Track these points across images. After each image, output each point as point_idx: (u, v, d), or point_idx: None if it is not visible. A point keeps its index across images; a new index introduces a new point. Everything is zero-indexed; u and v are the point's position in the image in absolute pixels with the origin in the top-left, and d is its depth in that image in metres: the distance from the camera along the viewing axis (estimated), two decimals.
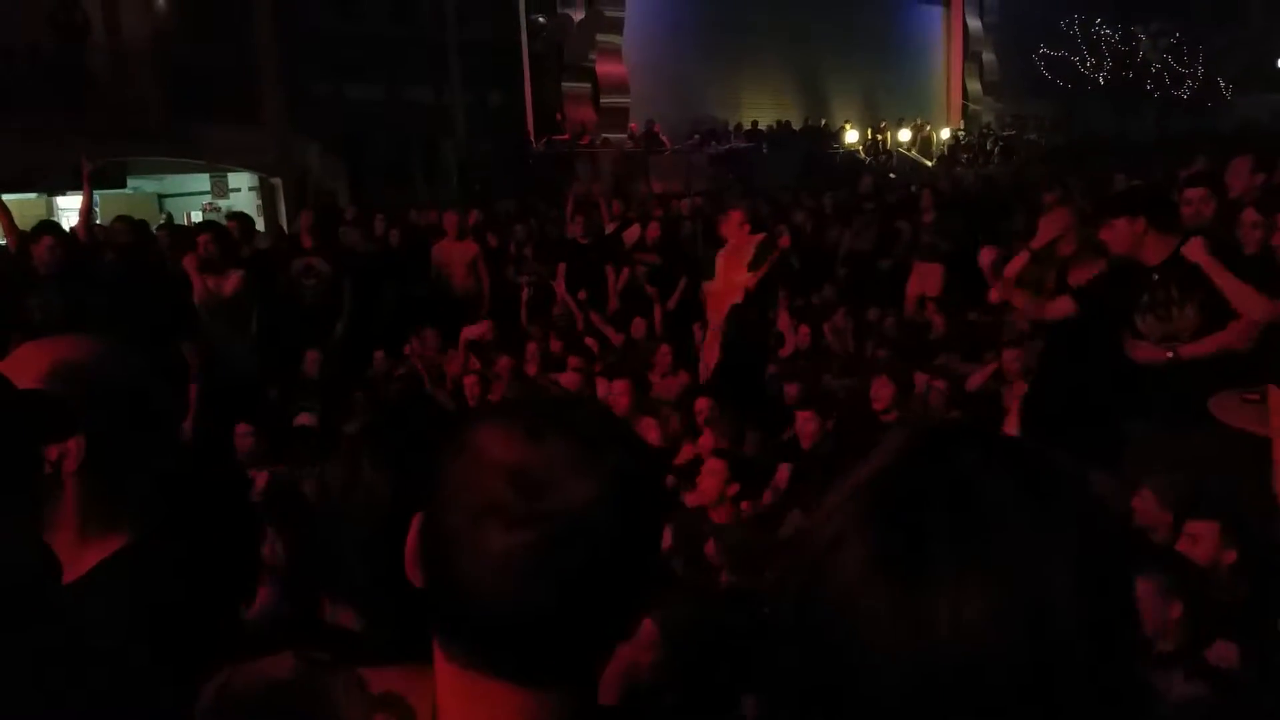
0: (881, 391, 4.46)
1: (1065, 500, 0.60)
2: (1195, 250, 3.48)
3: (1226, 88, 25.92)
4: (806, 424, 4.38)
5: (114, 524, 1.27)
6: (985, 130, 24.66)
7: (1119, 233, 3.60)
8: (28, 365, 1.26)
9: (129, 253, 5.57)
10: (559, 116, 18.13)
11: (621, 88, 18.82)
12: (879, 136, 22.71)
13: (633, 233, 8.33)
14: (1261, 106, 22.49)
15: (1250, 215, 4.24)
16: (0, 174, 6.54)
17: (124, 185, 12.67)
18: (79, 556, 1.24)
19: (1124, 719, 0.59)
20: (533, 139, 17.62)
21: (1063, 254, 4.12)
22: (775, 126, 21.00)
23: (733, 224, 5.68)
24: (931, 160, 21.64)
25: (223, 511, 1.74)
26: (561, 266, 7.83)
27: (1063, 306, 3.94)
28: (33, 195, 11.56)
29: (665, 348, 5.95)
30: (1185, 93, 26.11)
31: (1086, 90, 25.60)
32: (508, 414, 0.79)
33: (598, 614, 0.76)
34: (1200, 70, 26.06)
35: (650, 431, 4.60)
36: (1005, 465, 0.60)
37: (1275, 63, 24.28)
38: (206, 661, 1.19)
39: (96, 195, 11.82)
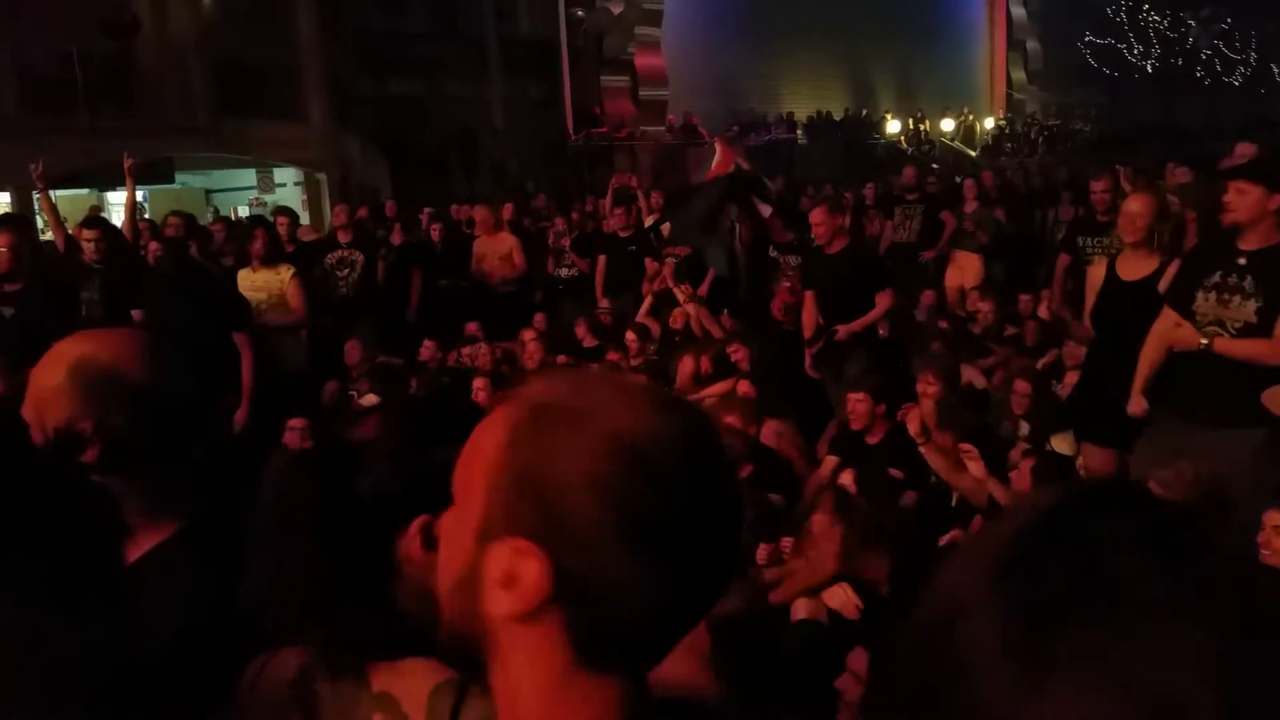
0: (858, 408, 4.36)
1: (1213, 587, 0.53)
2: None
3: None
4: (858, 405, 4.33)
5: (156, 515, 1.31)
6: (1030, 120, 24.29)
7: (1249, 200, 3.40)
8: (55, 362, 1.29)
9: (180, 246, 5.67)
10: (597, 110, 18.15)
11: (660, 80, 18.81)
12: (921, 126, 22.46)
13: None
14: None
15: None
16: (53, 171, 6.70)
17: (172, 180, 12.90)
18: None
19: None
20: (571, 133, 17.67)
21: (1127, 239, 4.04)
22: (815, 117, 20.86)
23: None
24: (975, 150, 21.37)
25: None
26: (601, 259, 7.85)
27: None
28: (84, 191, 11.82)
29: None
30: (1236, 80, 25.52)
31: (1134, 78, 25.12)
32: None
33: (709, 596, 0.75)
34: (1253, 57, 25.45)
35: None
36: (1145, 540, 0.54)
37: None
38: (255, 647, 1.22)
39: (145, 190, 12.10)
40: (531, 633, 0.70)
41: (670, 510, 0.69)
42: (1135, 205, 4.01)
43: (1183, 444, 3.36)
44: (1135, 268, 3.97)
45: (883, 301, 5.26)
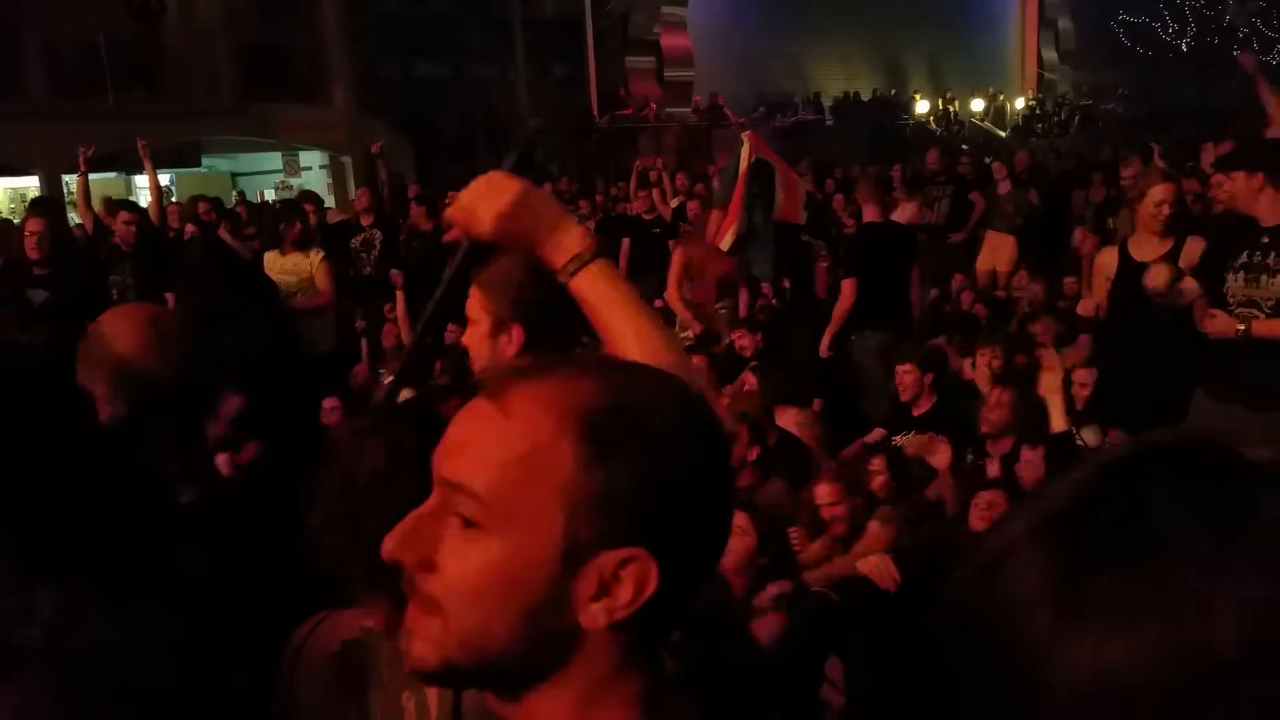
0: (905, 379, 4.35)
1: (1260, 549, 0.53)
2: None
3: None
4: (905, 375, 4.32)
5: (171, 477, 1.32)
6: (1061, 100, 23.93)
7: (1236, 187, 3.45)
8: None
9: (209, 230, 5.70)
10: (623, 91, 18.06)
11: (686, 61, 18.67)
12: (950, 107, 22.18)
13: (694, 207, 8.26)
14: None
15: None
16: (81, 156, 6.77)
17: (199, 164, 12.99)
18: None
19: None
20: (596, 114, 17.59)
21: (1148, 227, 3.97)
22: (843, 98, 20.65)
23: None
24: (1005, 131, 21.10)
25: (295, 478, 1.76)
26: (625, 242, 7.81)
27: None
28: (112, 175, 11.91)
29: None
30: (1275, 58, 25.01)
31: (1168, 58, 24.68)
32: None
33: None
34: None
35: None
36: (1197, 498, 0.55)
37: None
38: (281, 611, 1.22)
39: (172, 174, 12.18)
40: (604, 637, 0.71)
41: (722, 492, 0.74)
42: (1161, 193, 3.94)
43: (1220, 428, 3.30)
44: (1150, 248, 3.91)
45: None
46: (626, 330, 1.14)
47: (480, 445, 0.71)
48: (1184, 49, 24.84)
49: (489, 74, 16.67)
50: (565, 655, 0.72)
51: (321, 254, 5.75)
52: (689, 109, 18.19)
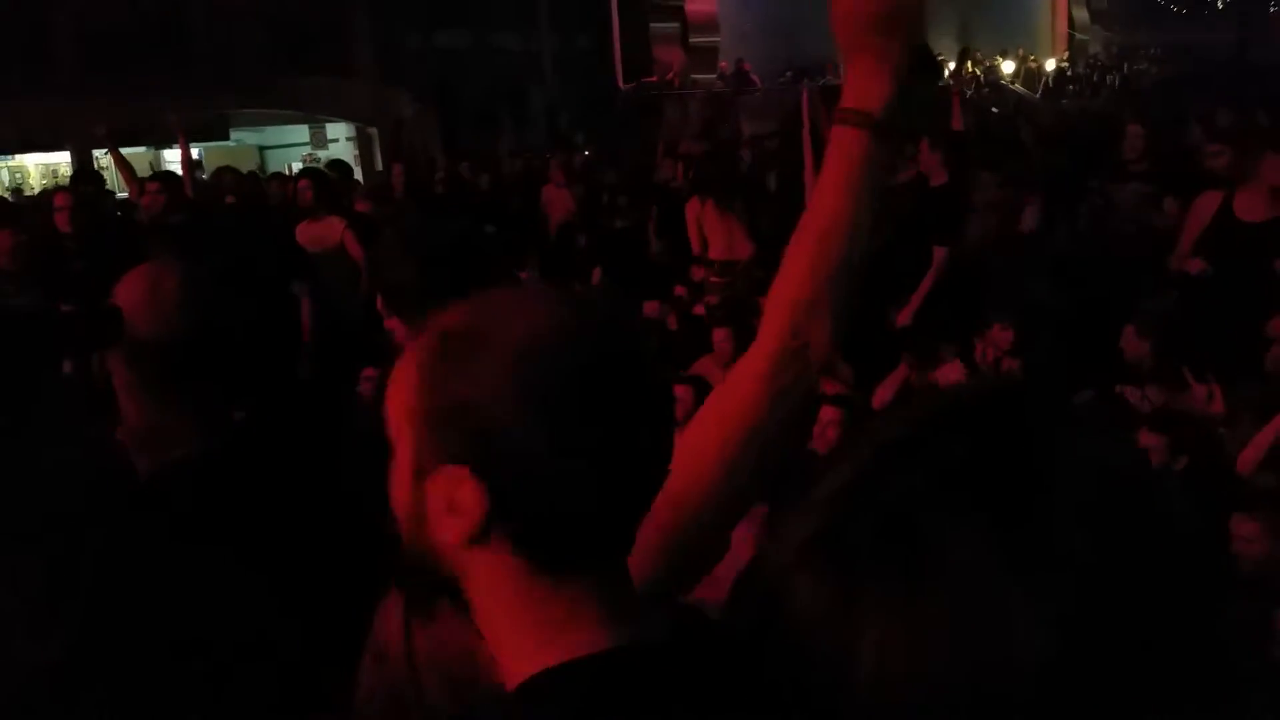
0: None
1: (1036, 536, 0.49)
2: None
3: None
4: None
5: (179, 435, 1.34)
6: (1093, 61, 23.48)
7: (1273, 168, 3.39)
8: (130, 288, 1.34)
9: (242, 200, 5.73)
10: (648, 58, 17.91)
11: (711, 26, 18.47)
12: (976, 70, 21.82)
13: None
14: None
15: None
16: (109, 130, 6.83)
17: (227, 138, 13.04)
18: (148, 463, 1.31)
19: None
20: (621, 82, 17.47)
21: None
22: None
23: None
24: (1036, 93, 20.74)
25: (316, 435, 1.78)
26: (653, 210, 7.78)
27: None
28: (140, 149, 11.99)
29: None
30: None
31: (1205, 15, 24.12)
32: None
33: (648, 488, 0.77)
34: None
35: None
36: (958, 497, 0.51)
37: None
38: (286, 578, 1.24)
39: (200, 148, 12.23)
40: (485, 552, 0.73)
41: (587, 404, 0.71)
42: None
43: None
44: (1261, 210, 3.79)
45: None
46: (815, 224, 1.05)
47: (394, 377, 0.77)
48: (1219, 6, 24.27)
49: (512, 44, 16.58)
50: (466, 571, 0.75)
51: (345, 222, 5.74)
52: (714, 75, 18.02)
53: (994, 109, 16.36)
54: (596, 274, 6.96)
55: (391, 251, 1.74)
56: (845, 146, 1.06)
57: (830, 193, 1.05)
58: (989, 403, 0.56)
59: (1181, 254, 4.09)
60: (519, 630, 0.74)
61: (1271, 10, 24.23)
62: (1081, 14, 25.49)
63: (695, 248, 6.15)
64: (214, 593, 1.22)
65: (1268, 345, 3.65)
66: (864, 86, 1.07)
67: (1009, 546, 0.49)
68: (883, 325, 5.20)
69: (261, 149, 14.55)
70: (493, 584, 0.74)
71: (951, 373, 4.46)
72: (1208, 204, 3.98)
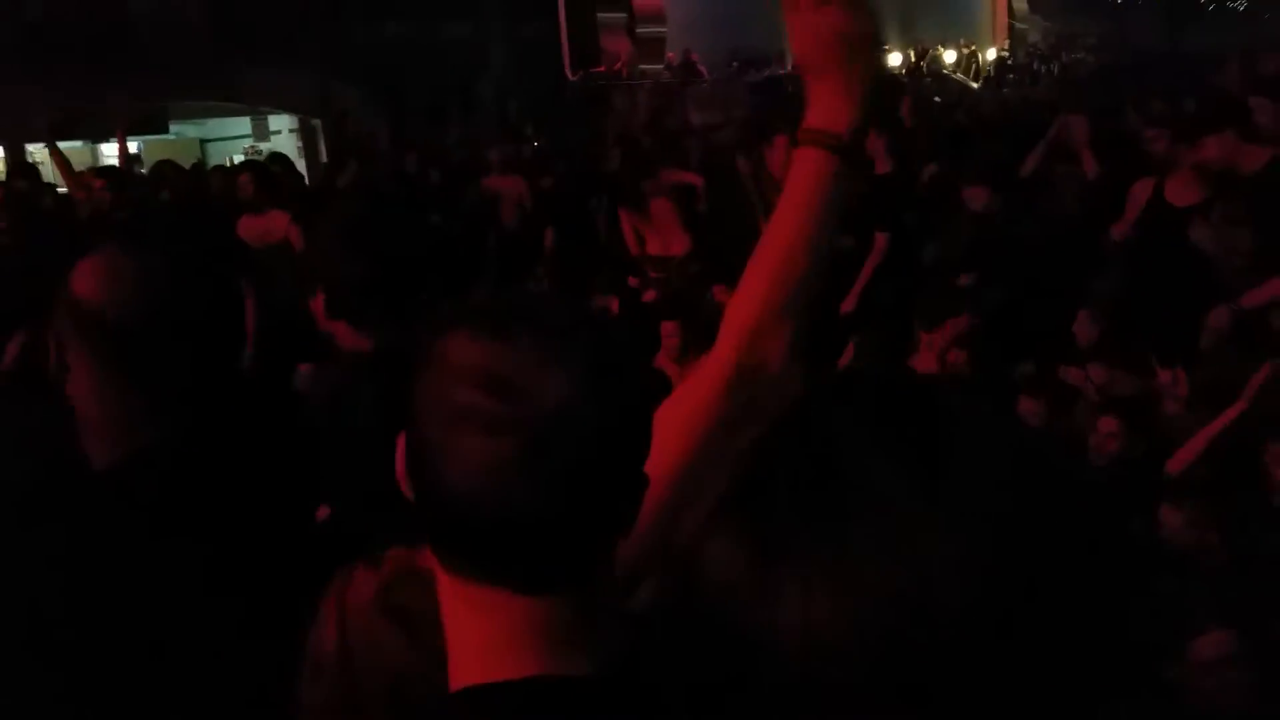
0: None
1: (959, 473, 0.49)
2: None
3: None
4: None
5: (140, 424, 1.34)
6: (1032, 49, 23.88)
7: (1212, 151, 3.50)
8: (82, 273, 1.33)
9: (180, 195, 5.63)
10: (595, 49, 17.86)
11: (658, 17, 18.45)
12: (920, 61, 22.09)
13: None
14: None
15: None
16: (46, 123, 6.66)
17: (166, 130, 12.76)
18: (105, 453, 1.31)
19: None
20: (569, 72, 17.40)
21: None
22: None
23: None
24: (978, 82, 21.06)
25: (264, 429, 1.77)
26: (603, 201, 7.78)
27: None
28: (78, 144, 11.69)
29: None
30: (1241, 4, 25.04)
31: (1138, 4, 24.65)
32: (473, 317, 0.76)
33: (591, 514, 0.74)
34: None
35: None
36: (880, 432, 0.51)
37: None
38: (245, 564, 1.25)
39: (139, 141, 11.96)
40: (437, 567, 0.78)
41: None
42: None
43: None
44: (1187, 192, 3.92)
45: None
46: (778, 238, 1.07)
47: None
48: None
49: (460, 34, 16.43)
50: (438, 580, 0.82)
51: (288, 216, 5.67)
52: (662, 66, 18.02)
53: (937, 98, 16.59)
54: (549, 266, 6.95)
55: (335, 248, 1.71)
56: (809, 166, 1.08)
57: (793, 212, 1.07)
58: (882, 381, 0.57)
59: (1115, 239, 4.23)
60: (455, 644, 0.76)
61: (1200, 1, 24.84)
62: (1021, 4, 25.89)
63: (632, 246, 6.16)
64: (186, 589, 1.21)
65: (1200, 327, 3.77)
66: (830, 107, 1.08)
67: (926, 493, 0.49)
68: (827, 312, 5.28)
69: (202, 142, 14.26)
70: (443, 598, 0.77)
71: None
72: (1141, 190, 4.12)
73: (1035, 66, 22.07)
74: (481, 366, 0.72)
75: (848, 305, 5.31)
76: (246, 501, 1.34)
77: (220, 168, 8.92)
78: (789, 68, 19.42)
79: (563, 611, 0.75)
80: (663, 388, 1.11)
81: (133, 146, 11.71)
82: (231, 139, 14.18)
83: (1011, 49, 24.33)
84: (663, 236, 6.10)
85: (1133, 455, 3.49)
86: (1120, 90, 10.82)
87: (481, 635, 0.74)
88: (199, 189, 7.08)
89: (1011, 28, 25.74)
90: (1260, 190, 3.44)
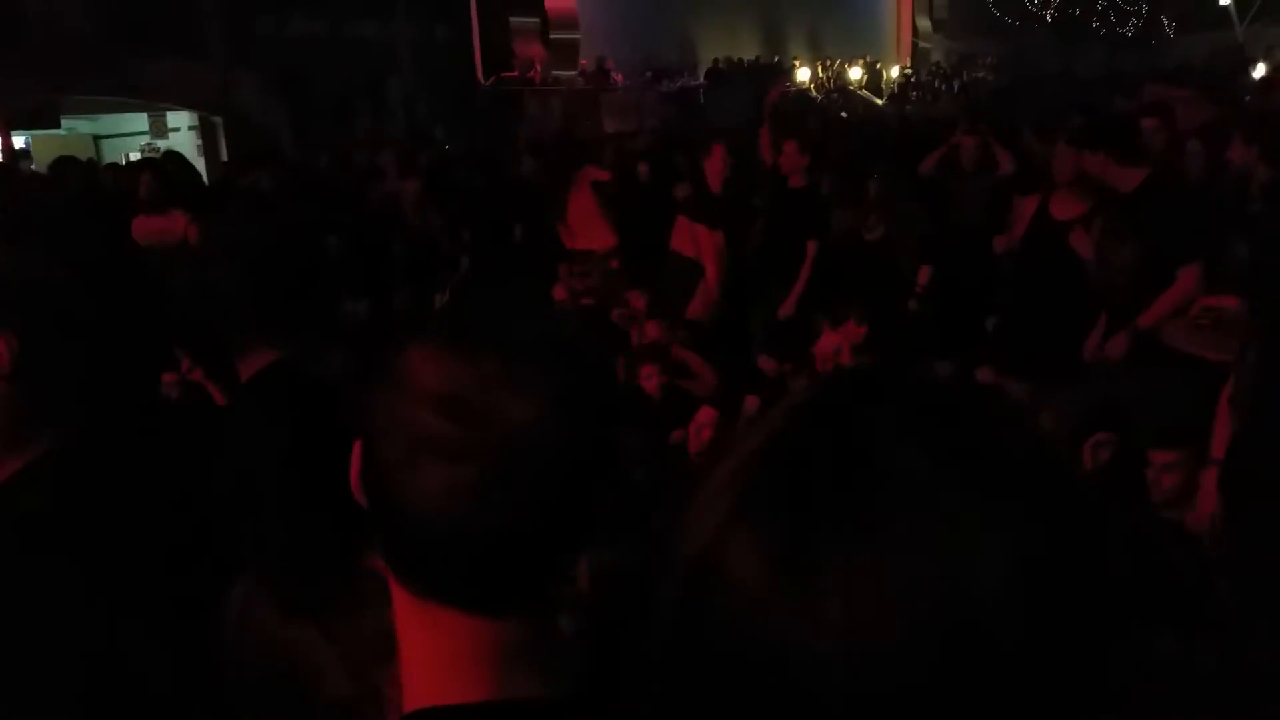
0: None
1: (999, 465, 0.49)
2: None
3: (1170, 25, 26.15)
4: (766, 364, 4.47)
5: (37, 431, 1.28)
6: (935, 68, 24.64)
7: (1090, 167, 3.67)
8: None
9: (77, 193, 5.41)
10: (508, 53, 17.76)
11: (571, 23, 18.46)
12: (828, 75, 22.58)
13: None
14: (1202, 44, 22.76)
15: (1194, 146, 4.33)
16: None
17: (58, 126, 12.21)
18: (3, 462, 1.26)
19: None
20: (481, 76, 17.27)
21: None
22: (723, 62, 20.76)
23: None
24: (882, 99, 21.62)
25: (165, 432, 1.73)
26: (512, 205, 7.75)
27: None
28: None
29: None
30: (1130, 31, 26.29)
31: (1034, 28, 25.65)
32: (437, 333, 0.75)
33: (549, 536, 0.73)
34: (1145, 8, 26.23)
35: (650, 382, 4.55)
36: (916, 422, 0.50)
37: (1216, 1, 24.47)
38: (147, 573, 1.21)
39: (27, 136, 11.43)
40: (390, 580, 0.75)
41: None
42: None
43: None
44: (1069, 205, 4.10)
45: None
46: None
47: None
48: (1048, 19, 25.85)
49: (368, 32, 16.15)
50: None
51: (187, 216, 5.49)
52: (575, 72, 18.03)
53: (843, 113, 16.97)
54: (463, 268, 6.90)
55: (224, 265, 1.66)
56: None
57: None
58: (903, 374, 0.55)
59: (1004, 252, 4.44)
60: (408, 662, 0.74)
61: (1094, 25, 25.98)
62: (924, 23, 26.69)
63: (565, 240, 6.28)
64: (58, 608, 1.17)
65: (1083, 337, 3.94)
66: None
67: (960, 478, 0.48)
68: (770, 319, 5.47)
69: (96, 138, 13.70)
70: (397, 612, 0.75)
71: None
72: (1027, 206, 4.33)
73: (937, 85, 22.76)
74: (442, 388, 0.70)
75: (787, 309, 5.46)
76: (134, 514, 1.29)
77: (114, 165, 8.60)
78: (701, 79, 19.65)
79: (517, 633, 0.73)
80: (628, 407, 1.11)
81: (20, 142, 11.20)
82: (128, 135, 13.66)
83: (915, 67, 25.05)
84: (585, 232, 6.21)
85: None
86: (1016, 109, 11.24)
87: (434, 654, 0.73)
88: (91, 185, 6.81)
89: (915, 46, 26.52)
90: (1138, 207, 3.61)
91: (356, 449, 0.76)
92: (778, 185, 5.74)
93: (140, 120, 13.39)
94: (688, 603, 0.51)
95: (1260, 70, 16.70)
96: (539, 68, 17.33)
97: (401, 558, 0.73)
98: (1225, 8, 23.51)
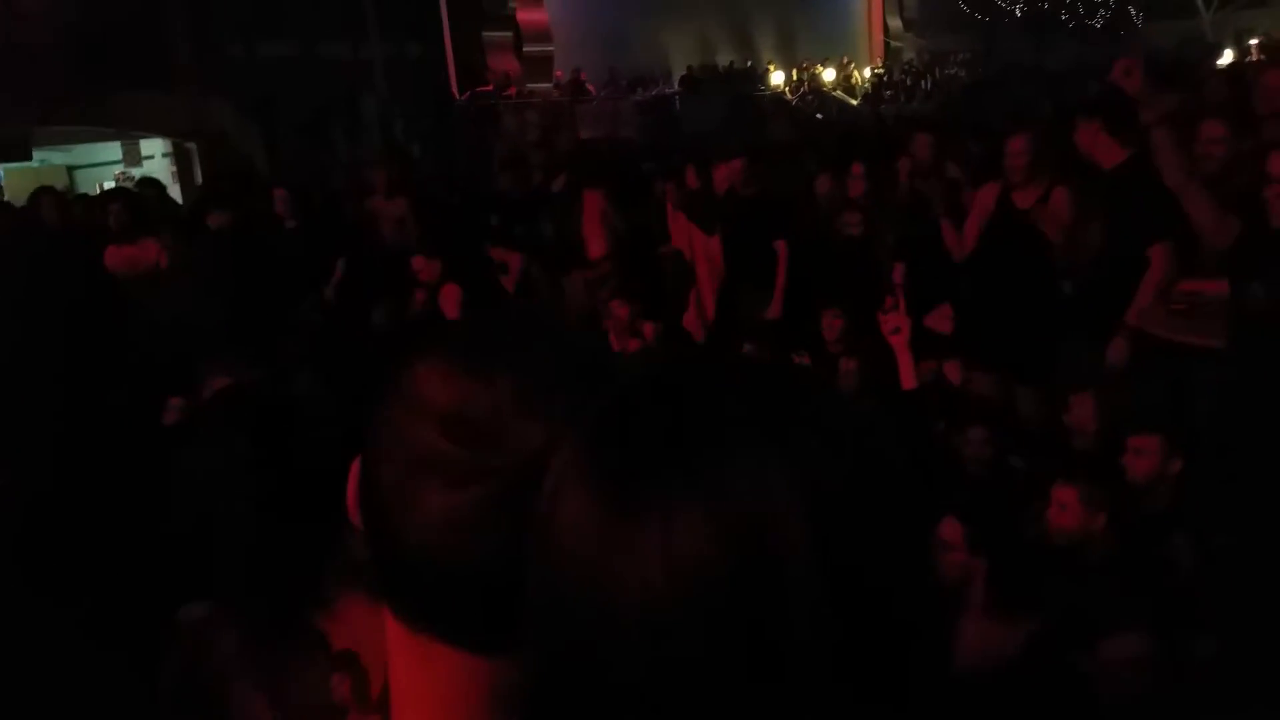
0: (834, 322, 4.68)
1: (803, 424, 0.52)
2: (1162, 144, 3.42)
3: (1138, 16, 26.35)
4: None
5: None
6: (907, 66, 24.76)
7: (1080, 135, 3.71)
8: None
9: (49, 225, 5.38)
10: (482, 67, 17.77)
11: (544, 35, 18.49)
12: (802, 77, 22.67)
13: (562, 183, 8.23)
14: (1170, 33, 22.96)
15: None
16: None
17: (30, 158, 12.15)
18: None
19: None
20: (455, 92, 17.26)
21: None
22: (697, 69, 20.83)
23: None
24: (856, 99, 21.71)
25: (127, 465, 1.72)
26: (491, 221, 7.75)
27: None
28: None
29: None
30: (1099, 22, 26.48)
31: (1004, 23, 25.81)
32: (451, 348, 0.71)
33: None
34: (1113, 1, 26.44)
35: None
36: (738, 392, 0.54)
37: None
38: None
39: (1, 169, 11.36)
40: (387, 614, 0.71)
41: None
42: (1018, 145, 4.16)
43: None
44: (1029, 193, 4.14)
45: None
46: None
47: None
48: (1017, 14, 26.01)
49: (340, 53, 16.13)
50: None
51: (157, 243, 5.47)
52: (550, 84, 18.04)
53: (818, 115, 17.04)
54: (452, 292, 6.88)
55: (189, 287, 1.68)
56: None
57: None
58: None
59: (965, 240, 4.46)
60: (399, 699, 0.71)
61: (1063, 17, 26.16)
62: (895, 22, 26.82)
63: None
64: (50, 636, 1.16)
65: (1050, 320, 3.96)
66: None
67: (768, 433, 0.52)
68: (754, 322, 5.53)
69: (70, 168, 13.65)
70: (390, 643, 0.71)
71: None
72: (988, 194, 4.38)
73: (910, 83, 22.87)
74: (452, 409, 0.66)
75: (774, 311, 5.49)
76: (97, 544, 1.29)
77: (84, 196, 8.56)
78: (675, 86, 19.70)
79: (514, 674, 0.67)
80: None
81: None
82: (102, 165, 13.60)
83: (887, 66, 25.17)
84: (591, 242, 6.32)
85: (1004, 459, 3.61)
86: (987, 104, 11.31)
87: (427, 693, 0.69)
88: (66, 220, 6.77)
89: (887, 46, 26.65)
90: (1113, 188, 3.62)
91: (355, 468, 0.72)
92: (730, 195, 5.87)
93: (114, 149, 13.34)
94: (536, 552, 0.55)
95: (1228, 56, 16.86)
96: (514, 81, 17.34)
97: (397, 587, 0.69)
98: None
